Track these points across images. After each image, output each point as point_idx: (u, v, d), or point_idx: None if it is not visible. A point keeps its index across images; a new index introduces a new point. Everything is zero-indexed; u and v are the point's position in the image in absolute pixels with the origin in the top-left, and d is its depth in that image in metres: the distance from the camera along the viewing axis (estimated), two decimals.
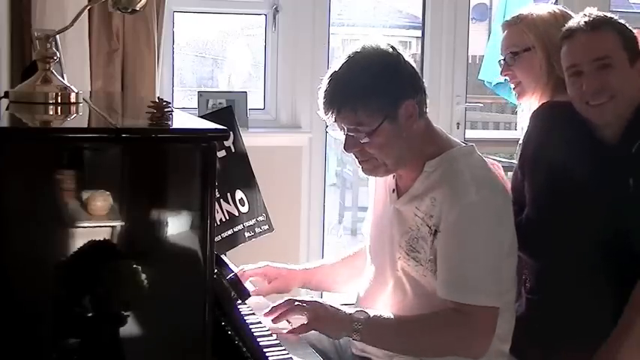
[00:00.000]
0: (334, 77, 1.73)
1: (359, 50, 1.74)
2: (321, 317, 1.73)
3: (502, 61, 2.21)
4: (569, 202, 1.95)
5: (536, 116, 2.06)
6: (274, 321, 1.75)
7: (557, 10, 2.17)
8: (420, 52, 3.80)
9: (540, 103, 2.11)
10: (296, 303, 1.74)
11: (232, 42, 4.49)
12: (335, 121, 1.73)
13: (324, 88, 1.73)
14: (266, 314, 1.78)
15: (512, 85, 2.21)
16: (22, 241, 1.19)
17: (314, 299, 1.79)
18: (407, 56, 1.77)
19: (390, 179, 1.87)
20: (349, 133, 1.74)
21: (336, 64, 1.76)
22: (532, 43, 2.12)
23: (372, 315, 1.74)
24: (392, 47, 1.75)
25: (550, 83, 2.11)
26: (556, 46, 2.04)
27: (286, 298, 1.78)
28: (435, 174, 1.74)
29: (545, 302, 2.00)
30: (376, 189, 1.96)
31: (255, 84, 3.83)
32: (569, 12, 2.16)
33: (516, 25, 2.17)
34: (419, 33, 3.98)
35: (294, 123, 3.46)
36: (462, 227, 1.67)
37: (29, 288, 1.20)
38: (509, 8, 5.14)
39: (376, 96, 1.69)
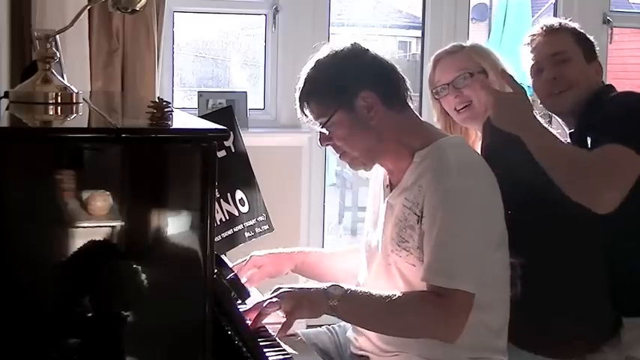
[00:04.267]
0: (300, 78, 1.83)
1: (319, 50, 1.83)
2: (297, 305, 1.68)
3: (446, 87, 2.22)
4: (539, 200, 1.97)
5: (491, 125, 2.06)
6: (252, 326, 1.71)
7: (481, 44, 2.33)
8: (420, 52, 3.80)
9: None
10: (266, 303, 1.70)
11: (232, 42, 4.50)
12: (307, 119, 1.83)
13: (298, 88, 1.84)
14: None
15: (456, 112, 2.23)
16: (22, 241, 1.19)
17: (281, 288, 1.73)
18: (373, 51, 1.82)
19: (385, 176, 1.88)
20: (317, 128, 1.82)
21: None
22: (485, 67, 2.21)
23: (347, 290, 1.71)
24: (352, 43, 1.81)
25: None
26: (498, 70, 2.19)
27: (255, 302, 1.74)
28: (424, 163, 1.75)
29: (542, 289, 2.01)
30: (374, 188, 1.97)
31: (255, 84, 3.83)
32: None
33: (460, 52, 2.26)
34: (419, 33, 3.98)
35: (294, 123, 3.43)
36: (442, 211, 1.67)
37: (29, 288, 1.20)
38: (509, 8, 5.14)
39: (326, 88, 1.78)
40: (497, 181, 1.79)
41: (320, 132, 1.83)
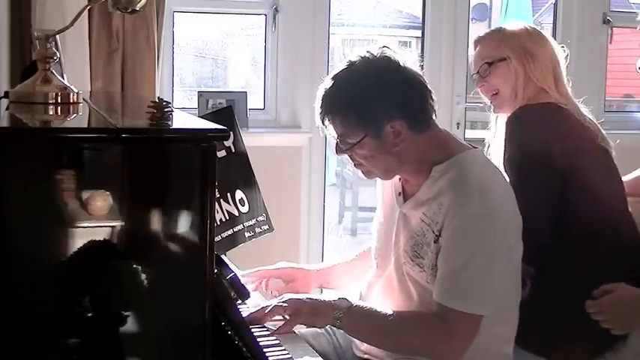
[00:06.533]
0: (329, 84, 1.75)
1: (357, 60, 1.75)
2: (300, 311, 1.71)
3: (475, 76, 2.24)
4: (567, 198, 1.97)
5: (513, 120, 2.07)
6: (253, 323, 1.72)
7: (527, 26, 2.23)
8: (420, 52, 3.80)
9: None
10: (272, 307, 1.72)
11: (232, 42, 4.49)
12: (327, 129, 1.77)
13: (320, 93, 1.76)
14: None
15: (489, 99, 2.23)
16: (22, 241, 1.19)
17: (290, 296, 1.77)
18: (410, 63, 1.75)
19: (396, 182, 1.87)
20: (337, 140, 1.78)
21: (335, 69, 1.78)
22: (507, 54, 2.16)
23: (354, 304, 1.73)
24: (388, 60, 1.74)
25: (527, 92, 2.14)
26: (532, 56, 2.14)
27: (261, 305, 1.76)
28: (443, 180, 1.73)
29: (549, 290, 2.02)
30: (383, 190, 1.95)
31: (255, 84, 3.83)
32: (540, 29, 2.23)
33: (489, 38, 2.23)
34: (419, 33, 3.97)
35: (294, 123, 3.46)
36: (462, 235, 1.67)
37: (29, 288, 1.20)
38: (509, 8, 5.15)
39: (359, 113, 1.71)
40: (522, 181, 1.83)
41: (336, 143, 1.78)
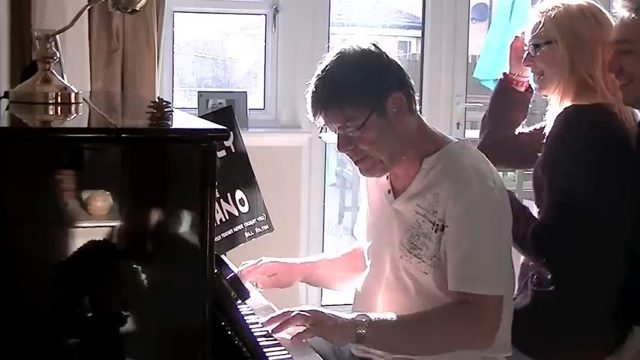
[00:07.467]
0: (319, 78, 1.76)
1: (342, 50, 1.77)
2: (323, 323, 1.70)
3: (525, 51, 2.20)
4: (591, 209, 1.96)
5: (561, 120, 2.03)
6: (274, 331, 1.73)
7: (585, 4, 2.12)
8: (420, 52, 3.80)
9: (563, 105, 2.07)
10: (295, 312, 1.72)
11: (232, 42, 4.49)
12: (325, 122, 1.76)
13: (311, 90, 1.77)
14: (265, 324, 1.75)
15: (536, 77, 2.18)
16: (22, 241, 1.19)
17: (314, 308, 1.76)
18: (391, 54, 1.78)
19: (383, 181, 1.87)
20: (340, 132, 1.76)
21: (321, 66, 1.78)
22: (554, 37, 2.08)
23: (373, 318, 1.72)
24: (374, 45, 1.77)
25: (572, 80, 2.07)
26: (580, 42, 2.06)
27: (285, 309, 1.76)
28: (435, 170, 1.75)
29: (553, 295, 2.02)
30: (369, 192, 1.95)
31: (255, 84, 3.83)
32: (600, 7, 2.13)
33: (544, 15, 2.12)
34: (419, 33, 3.98)
35: (294, 123, 3.46)
36: (468, 219, 1.69)
37: (29, 288, 1.20)
38: (516, 7, 5.12)
39: (361, 90, 1.72)
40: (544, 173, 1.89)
41: (340, 137, 1.76)
